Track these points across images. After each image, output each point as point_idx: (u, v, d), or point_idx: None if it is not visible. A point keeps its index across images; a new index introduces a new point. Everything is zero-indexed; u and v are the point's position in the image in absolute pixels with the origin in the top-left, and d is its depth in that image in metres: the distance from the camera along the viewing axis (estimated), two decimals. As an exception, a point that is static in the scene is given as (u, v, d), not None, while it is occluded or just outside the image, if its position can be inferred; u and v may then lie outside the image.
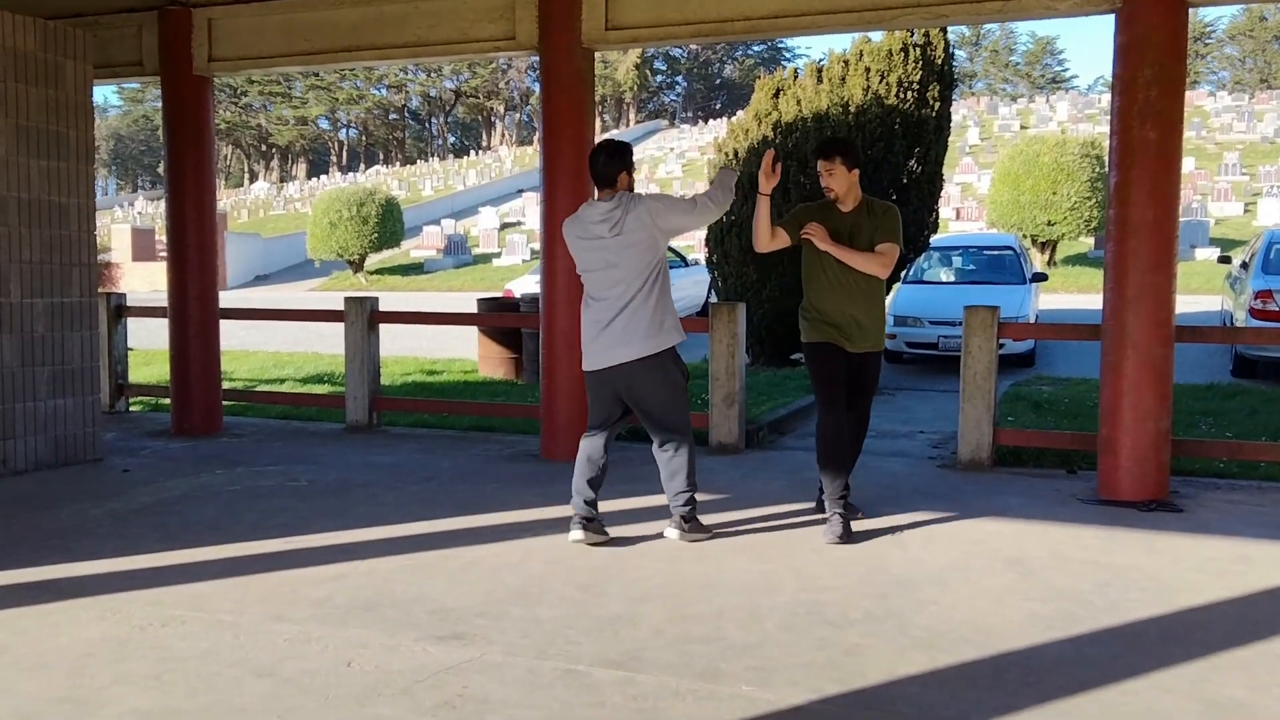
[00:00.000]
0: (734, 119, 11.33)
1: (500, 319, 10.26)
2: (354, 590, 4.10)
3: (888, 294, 10.90)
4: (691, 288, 15.48)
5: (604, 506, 5.14)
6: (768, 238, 4.88)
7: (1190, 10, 5.43)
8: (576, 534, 4.67)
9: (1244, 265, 11.60)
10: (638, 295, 4.55)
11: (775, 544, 4.73)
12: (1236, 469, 6.26)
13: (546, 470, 6.41)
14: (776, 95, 10.48)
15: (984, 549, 4.63)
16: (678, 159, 46.75)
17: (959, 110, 52.73)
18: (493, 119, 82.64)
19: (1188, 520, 5.15)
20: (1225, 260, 13.77)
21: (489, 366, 10.76)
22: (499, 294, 16.33)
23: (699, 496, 4.94)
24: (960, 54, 78.48)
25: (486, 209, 38.47)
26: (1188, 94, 53.12)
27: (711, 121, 63.18)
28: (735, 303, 7.24)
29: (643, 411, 4.69)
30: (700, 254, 17.95)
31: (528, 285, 13.20)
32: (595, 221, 4.61)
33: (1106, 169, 5.76)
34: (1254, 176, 32.37)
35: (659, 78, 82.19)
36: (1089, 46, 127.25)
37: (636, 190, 4.64)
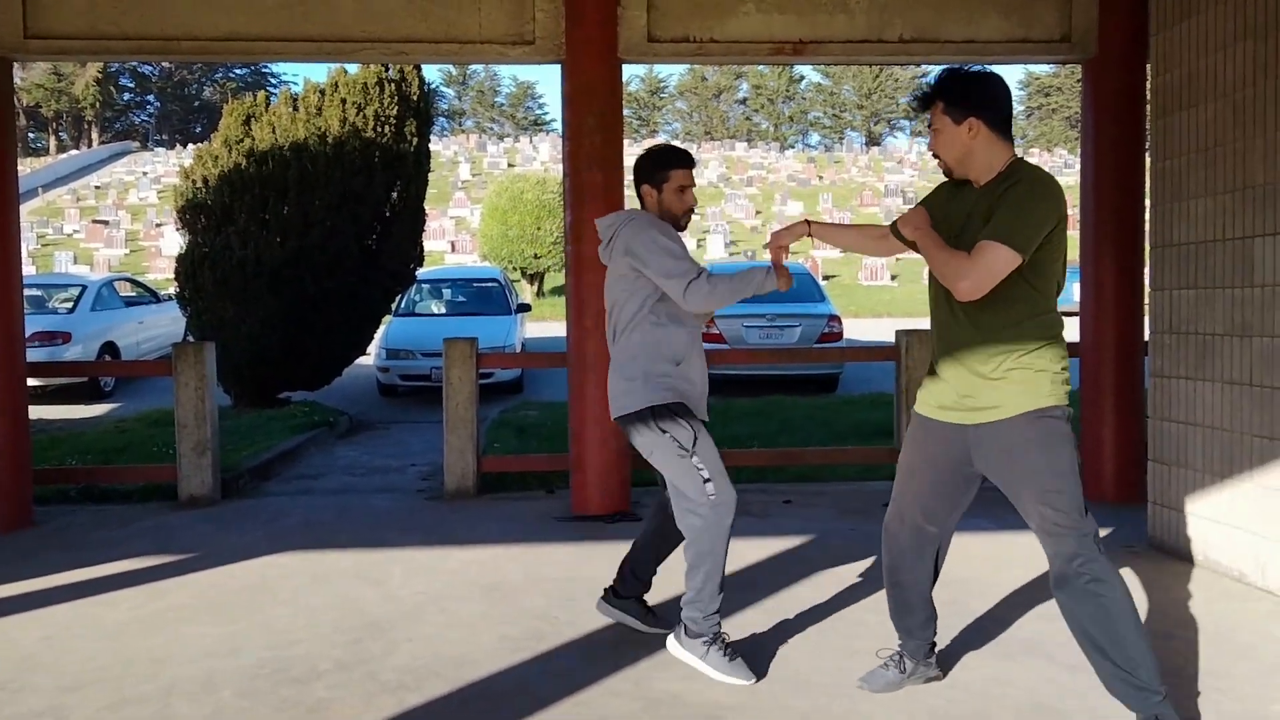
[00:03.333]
0: (203, 145, 10.57)
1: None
2: None
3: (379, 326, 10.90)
4: (169, 324, 14.18)
5: (31, 584, 4.45)
6: (877, 249, 3.46)
7: (624, 65, 6.01)
8: (600, 601, 3.96)
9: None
10: (621, 336, 3.61)
11: (244, 602, 4.39)
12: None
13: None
14: (249, 122, 9.96)
15: (462, 578, 4.69)
16: (152, 184, 42.92)
17: (450, 146, 54.51)
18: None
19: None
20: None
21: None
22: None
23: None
24: (448, 91, 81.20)
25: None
26: (648, 142, 59.28)
27: (191, 145, 58.81)
28: (202, 342, 6.69)
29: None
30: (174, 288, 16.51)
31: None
32: (599, 239, 3.69)
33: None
34: (703, 216, 37.22)
35: (126, 95, 74.79)
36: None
37: (668, 208, 3.63)
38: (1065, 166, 50.06)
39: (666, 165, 3.62)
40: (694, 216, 4.38)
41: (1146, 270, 5.31)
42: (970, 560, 4.77)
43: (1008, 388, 2.89)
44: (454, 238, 32.08)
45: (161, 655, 3.74)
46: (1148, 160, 5.25)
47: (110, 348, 12.10)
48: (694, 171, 3.67)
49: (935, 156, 3.04)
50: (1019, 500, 2.94)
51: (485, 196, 28.91)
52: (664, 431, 3.47)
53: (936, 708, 3.20)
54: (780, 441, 7.96)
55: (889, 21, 5.96)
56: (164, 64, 63.44)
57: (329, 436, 9.16)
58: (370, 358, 11.66)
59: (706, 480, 3.42)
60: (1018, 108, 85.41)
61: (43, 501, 6.28)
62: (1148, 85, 5.57)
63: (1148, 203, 5.33)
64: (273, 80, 72.03)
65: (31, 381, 6.30)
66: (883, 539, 3.25)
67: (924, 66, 55.88)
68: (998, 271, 2.80)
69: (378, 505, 6.37)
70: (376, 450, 8.68)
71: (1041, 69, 74.66)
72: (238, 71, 73.61)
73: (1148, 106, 5.66)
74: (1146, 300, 5.33)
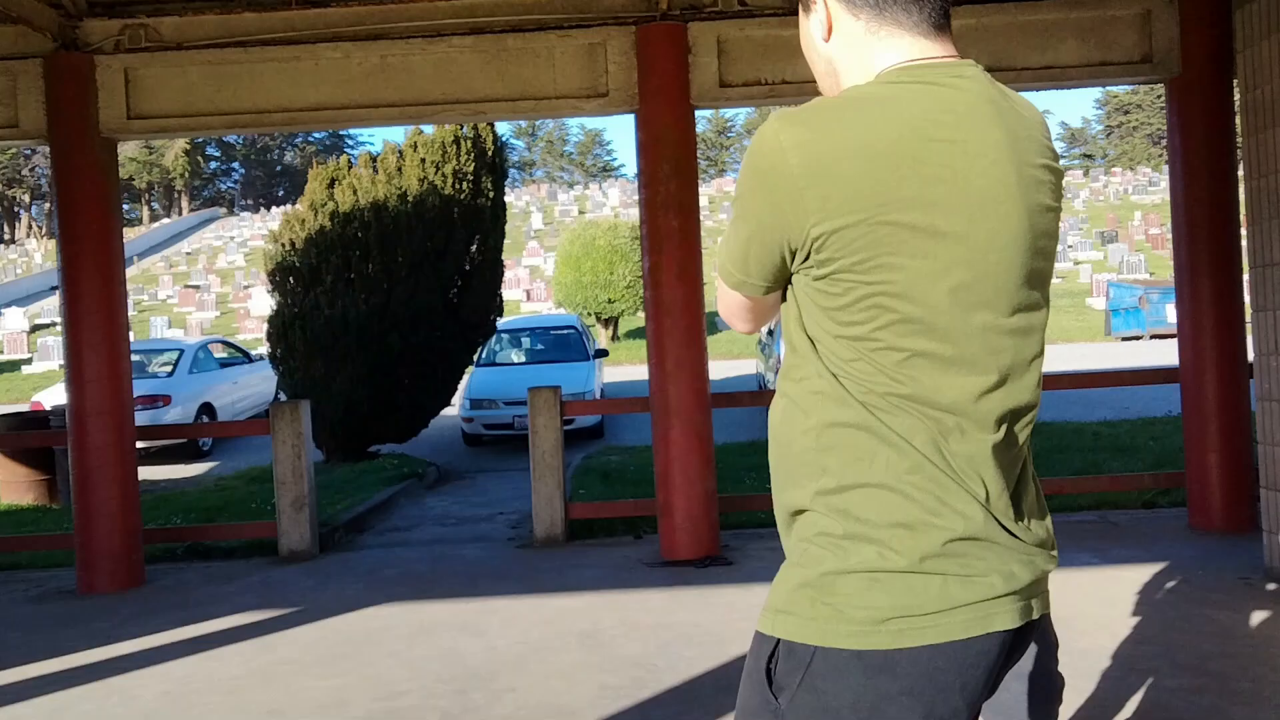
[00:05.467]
0: (289, 209, 10.94)
1: (20, 438, 8.96)
2: None
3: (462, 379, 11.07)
4: (261, 384, 14.63)
5: (147, 641, 4.58)
6: None
7: (696, 111, 6.08)
8: None
9: (770, 332, 13.16)
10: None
11: (349, 654, 4.48)
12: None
13: (84, 607, 5.61)
14: (332, 185, 10.29)
15: (558, 627, 4.71)
16: (239, 248, 44.45)
17: (522, 196, 55.45)
18: (17, 209, 73.33)
19: (737, 571, 5.63)
20: (756, 328, 15.50)
21: (13, 492, 9.34)
22: (25, 407, 14.30)
23: None
24: (518, 143, 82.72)
25: (12, 309, 33.82)
26: (719, 181, 59.14)
27: (275, 209, 60.90)
28: (298, 401, 6.89)
29: None
30: (265, 348, 17.03)
31: (61, 395, 11.69)
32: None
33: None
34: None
35: (213, 164, 77.81)
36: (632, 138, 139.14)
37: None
38: (1150, 185, 48.96)
39: None
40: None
41: (1246, 290, 5.15)
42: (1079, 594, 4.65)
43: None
44: (529, 286, 32.56)
45: (276, 708, 3.83)
46: (1241, 178, 5.13)
47: (207, 408, 12.51)
48: None
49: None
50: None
51: (558, 244, 29.27)
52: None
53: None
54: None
55: (964, 51, 5.80)
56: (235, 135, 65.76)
57: (419, 487, 9.31)
58: (455, 408, 11.86)
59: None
60: (1095, 127, 75.88)
61: (151, 560, 6.49)
62: (1236, 102, 5.45)
63: (1244, 220, 5.19)
64: (350, 143, 74.30)
65: (137, 444, 6.54)
66: None
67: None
68: (726, 309, 1.49)
69: (470, 555, 6.45)
70: (465, 500, 8.79)
71: (1120, 87, 73.37)
72: (317, 136, 76.02)
73: (1238, 123, 5.53)
74: (1249, 320, 5.17)
